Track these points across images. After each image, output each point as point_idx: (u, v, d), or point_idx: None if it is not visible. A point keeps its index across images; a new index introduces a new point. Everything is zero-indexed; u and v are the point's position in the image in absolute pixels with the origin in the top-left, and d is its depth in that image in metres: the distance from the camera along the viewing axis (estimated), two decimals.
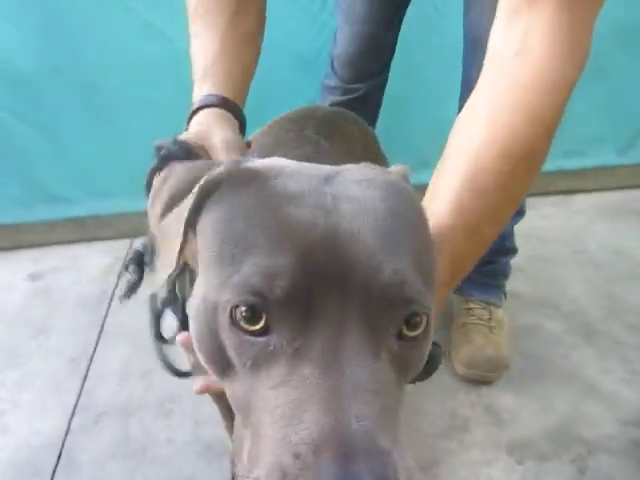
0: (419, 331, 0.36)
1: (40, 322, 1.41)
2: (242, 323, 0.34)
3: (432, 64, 1.58)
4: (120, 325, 1.38)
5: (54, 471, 1.02)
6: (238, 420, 0.40)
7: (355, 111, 1.05)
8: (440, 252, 0.45)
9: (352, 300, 0.34)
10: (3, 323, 1.42)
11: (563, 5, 0.52)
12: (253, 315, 0.34)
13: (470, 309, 1.28)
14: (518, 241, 1.70)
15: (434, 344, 0.43)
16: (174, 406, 1.13)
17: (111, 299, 1.48)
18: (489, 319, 1.26)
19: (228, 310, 0.35)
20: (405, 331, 0.36)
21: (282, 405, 0.32)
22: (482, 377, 1.19)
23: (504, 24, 0.56)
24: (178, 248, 0.40)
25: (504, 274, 1.32)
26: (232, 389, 0.38)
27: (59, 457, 1.04)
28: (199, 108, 0.68)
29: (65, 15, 1.44)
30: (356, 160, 0.46)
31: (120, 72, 1.52)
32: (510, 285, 1.51)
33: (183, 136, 0.60)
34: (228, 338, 0.35)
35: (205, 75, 0.72)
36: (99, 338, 1.34)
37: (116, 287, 1.52)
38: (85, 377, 1.22)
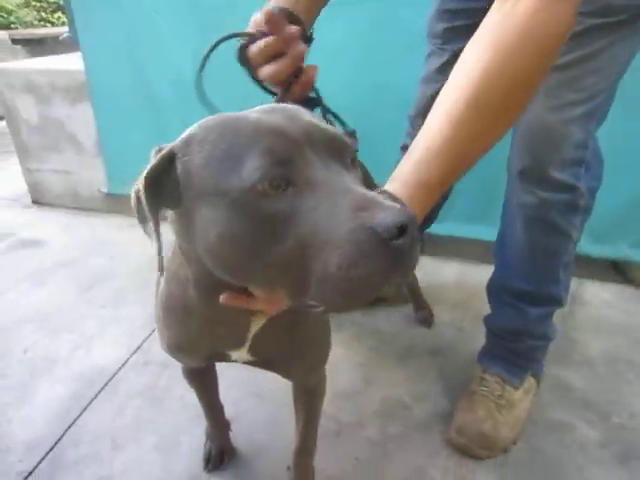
0: (357, 165, 0.56)
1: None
2: (271, 191, 0.46)
3: None
4: None
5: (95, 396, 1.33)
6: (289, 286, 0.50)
7: None
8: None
9: (323, 152, 0.50)
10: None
11: None
12: (276, 183, 0.46)
13: (484, 379, 1.22)
14: (602, 331, 1.52)
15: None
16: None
17: None
18: (500, 396, 1.18)
19: (254, 190, 0.45)
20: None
21: (320, 211, 0.46)
22: (468, 449, 1.13)
23: None
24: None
25: (529, 357, 1.23)
26: (282, 255, 0.47)
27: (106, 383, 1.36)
28: None
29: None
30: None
31: None
32: (568, 374, 1.40)
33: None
34: (265, 209, 0.46)
35: None
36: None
37: None
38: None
